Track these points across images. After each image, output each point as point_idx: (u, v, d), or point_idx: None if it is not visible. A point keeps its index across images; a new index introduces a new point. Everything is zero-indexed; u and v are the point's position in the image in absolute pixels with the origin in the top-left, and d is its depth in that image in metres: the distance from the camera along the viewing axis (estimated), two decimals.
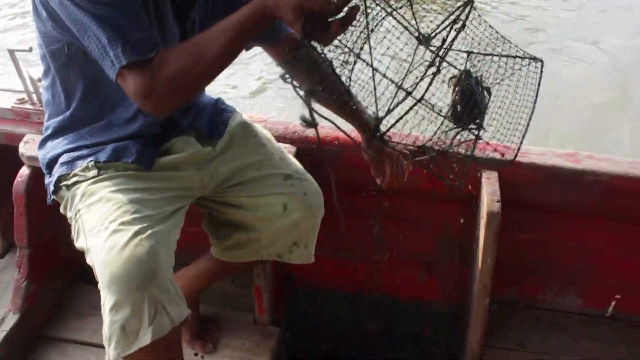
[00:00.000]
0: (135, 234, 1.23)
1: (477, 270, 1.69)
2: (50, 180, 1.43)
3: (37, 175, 1.72)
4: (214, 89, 1.54)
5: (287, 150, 1.70)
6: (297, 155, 1.73)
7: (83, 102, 1.37)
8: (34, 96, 1.82)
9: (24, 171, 1.75)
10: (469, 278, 1.86)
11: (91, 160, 1.37)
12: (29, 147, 1.73)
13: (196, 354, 1.77)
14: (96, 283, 1.27)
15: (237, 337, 1.83)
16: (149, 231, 1.24)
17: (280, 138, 1.78)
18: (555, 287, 1.99)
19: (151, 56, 1.18)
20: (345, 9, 1.13)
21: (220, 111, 1.60)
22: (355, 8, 1.14)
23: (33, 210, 1.77)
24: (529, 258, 1.94)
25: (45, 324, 1.85)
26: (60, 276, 1.94)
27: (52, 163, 1.43)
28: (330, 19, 1.13)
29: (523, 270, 1.96)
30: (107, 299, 1.22)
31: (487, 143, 1.45)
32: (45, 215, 1.83)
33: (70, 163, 1.39)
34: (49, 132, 1.46)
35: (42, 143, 1.48)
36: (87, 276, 1.89)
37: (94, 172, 1.36)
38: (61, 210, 1.43)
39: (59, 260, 1.92)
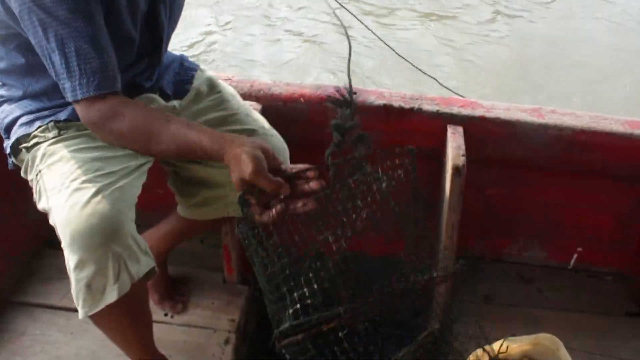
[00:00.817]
0: (97, 192, 1.21)
1: (443, 225, 1.71)
2: (8, 144, 1.39)
3: None
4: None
5: (253, 108, 1.69)
6: (263, 113, 1.71)
7: (43, 76, 1.32)
8: None
9: None
10: (436, 232, 1.89)
11: (51, 121, 1.33)
12: None
13: (166, 314, 1.78)
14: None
15: (206, 296, 1.84)
16: (112, 187, 1.23)
17: (246, 96, 1.76)
18: (520, 241, 2.03)
19: (108, 92, 1.20)
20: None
21: (184, 70, 1.57)
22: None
23: None
24: (495, 213, 1.97)
25: (12, 289, 1.83)
26: (27, 242, 1.92)
27: (10, 126, 1.39)
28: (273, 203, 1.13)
29: (489, 225, 2.00)
30: (70, 258, 1.21)
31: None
32: (8, 180, 1.79)
33: (29, 124, 1.35)
34: (4, 98, 1.41)
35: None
36: (54, 241, 1.85)
37: (54, 132, 1.33)
38: (22, 173, 1.40)
39: (24, 226, 1.89)
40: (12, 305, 1.79)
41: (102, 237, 1.18)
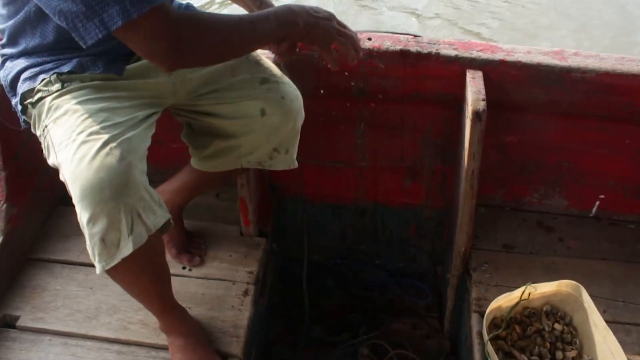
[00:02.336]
0: (105, 144, 1.18)
1: (463, 172, 1.67)
2: (16, 101, 1.36)
3: (6, 96, 1.66)
4: None
5: (266, 57, 1.64)
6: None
7: (45, 30, 1.28)
8: None
9: None
10: (455, 180, 1.85)
11: (54, 73, 1.29)
12: None
13: (184, 268, 1.78)
14: None
15: (224, 249, 1.83)
16: (120, 139, 1.20)
17: None
18: (541, 189, 1.99)
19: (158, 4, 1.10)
20: None
21: None
22: None
23: (5, 132, 1.71)
24: (515, 160, 1.93)
25: (30, 247, 1.84)
26: (43, 199, 1.91)
27: (14, 82, 1.36)
28: None
29: (509, 172, 1.96)
30: (82, 213, 1.19)
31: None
32: (21, 138, 1.78)
33: (33, 78, 1.32)
34: (6, 56, 1.37)
35: (2, 64, 1.39)
36: (68, 198, 1.86)
37: (58, 85, 1.29)
38: (32, 129, 1.38)
39: (40, 183, 1.89)
40: (32, 262, 1.80)
41: (112, 190, 1.15)
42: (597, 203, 1.99)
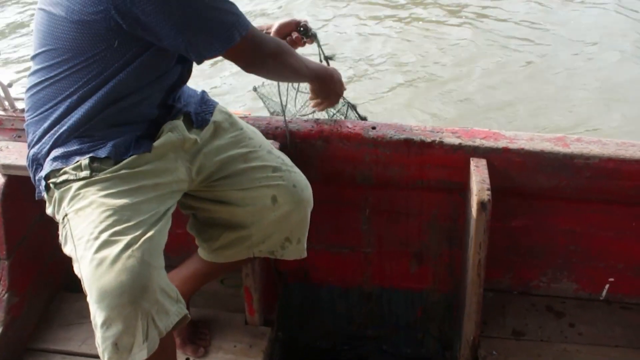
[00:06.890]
0: (127, 245, 1.19)
1: (470, 260, 1.66)
2: (40, 176, 1.35)
3: (13, 183, 1.67)
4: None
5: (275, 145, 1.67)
6: (281, 150, 1.69)
7: (97, 99, 1.29)
8: (6, 102, 1.76)
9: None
10: (462, 267, 1.83)
11: (86, 158, 1.30)
12: (3, 154, 1.67)
13: (187, 359, 1.73)
14: (82, 290, 1.23)
15: (228, 339, 1.80)
16: (142, 239, 1.20)
17: (263, 134, 1.74)
18: (549, 273, 1.97)
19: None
20: None
21: (205, 102, 1.57)
22: None
23: (11, 220, 1.71)
24: (522, 244, 1.92)
25: (31, 336, 1.80)
26: (45, 286, 1.89)
27: (45, 156, 1.34)
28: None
29: (516, 256, 1.94)
30: (97, 315, 1.18)
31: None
32: (26, 225, 1.77)
33: (64, 158, 1.31)
34: (44, 129, 1.35)
35: (39, 137, 1.36)
36: (72, 284, 1.83)
37: (86, 172, 1.29)
38: (47, 210, 1.37)
39: (42, 269, 1.87)
40: (30, 353, 1.76)
41: (131, 295, 1.16)
42: (607, 286, 1.96)
